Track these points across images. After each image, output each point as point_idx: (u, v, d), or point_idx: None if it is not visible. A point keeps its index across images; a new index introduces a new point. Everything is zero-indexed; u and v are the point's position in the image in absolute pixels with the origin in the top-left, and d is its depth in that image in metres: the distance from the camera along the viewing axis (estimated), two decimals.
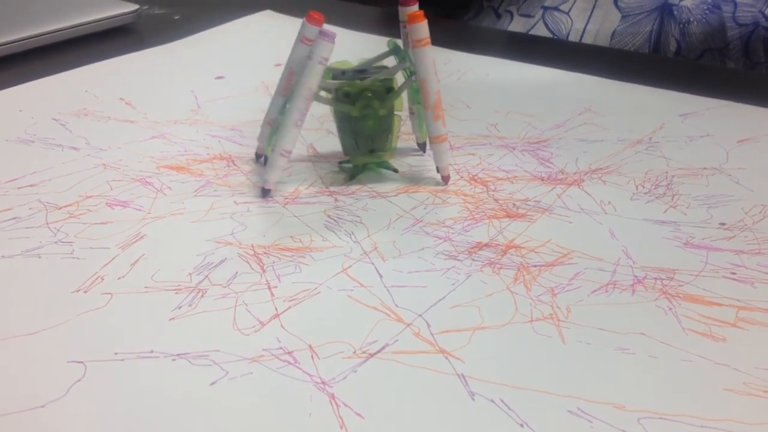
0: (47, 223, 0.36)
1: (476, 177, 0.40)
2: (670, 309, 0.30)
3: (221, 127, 0.46)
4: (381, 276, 0.32)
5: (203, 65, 0.57)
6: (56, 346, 0.28)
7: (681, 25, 0.64)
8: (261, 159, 0.42)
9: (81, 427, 0.25)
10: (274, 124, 0.39)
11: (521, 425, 0.25)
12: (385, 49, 0.40)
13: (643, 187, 0.39)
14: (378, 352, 0.28)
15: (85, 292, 0.31)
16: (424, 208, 0.37)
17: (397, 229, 0.35)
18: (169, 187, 0.39)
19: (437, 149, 0.39)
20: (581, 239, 0.34)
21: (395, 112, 0.39)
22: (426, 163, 0.42)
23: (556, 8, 0.68)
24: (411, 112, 0.42)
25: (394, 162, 0.41)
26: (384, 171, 0.41)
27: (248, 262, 0.33)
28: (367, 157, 0.40)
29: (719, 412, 0.25)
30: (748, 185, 0.39)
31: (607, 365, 0.27)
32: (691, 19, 0.63)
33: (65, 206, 0.37)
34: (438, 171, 0.40)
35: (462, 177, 0.40)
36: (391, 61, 0.40)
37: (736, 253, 0.33)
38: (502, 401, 0.25)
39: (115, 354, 0.28)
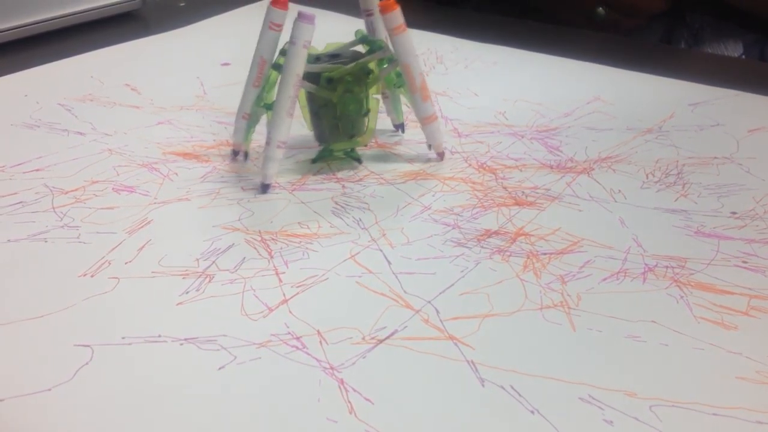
0: (53, 208, 0.36)
1: (485, 165, 0.40)
2: (682, 297, 0.30)
3: (227, 113, 0.46)
4: (389, 263, 0.32)
5: (209, 52, 0.57)
6: (63, 329, 0.28)
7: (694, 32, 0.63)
8: (239, 156, 0.40)
9: (88, 411, 0.24)
10: (250, 118, 0.38)
11: (532, 412, 0.24)
12: (353, 38, 0.40)
13: (653, 175, 0.38)
14: (387, 338, 0.28)
15: (91, 276, 0.31)
16: (432, 195, 0.37)
17: (405, 216, 0.35)
18: (176, 173, 0.39)
19: (429, 129, 0.39)
20: (591, 227, 0.34)
21: (373, 96, 0.39)
22: (409, 143, 0.42)
23: None
24: (385, 96, 0.42)
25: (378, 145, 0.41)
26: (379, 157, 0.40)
27: (256, 248, 0.33)
28: (348, 143, 0.39)
29: (732, 400, 0.25)
30: (759, 175, 0.38)
31: (618, 353, 0.27)
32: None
33: (71, 191, 0.37)
34: (431, 149, 0.40)
35: (470, 165, 0.40)
36: (360, 49, 0.39)
37: (748, 242, 0.33)
38: (513, 388, 0.25)
39: (123, 338, 0.27)
